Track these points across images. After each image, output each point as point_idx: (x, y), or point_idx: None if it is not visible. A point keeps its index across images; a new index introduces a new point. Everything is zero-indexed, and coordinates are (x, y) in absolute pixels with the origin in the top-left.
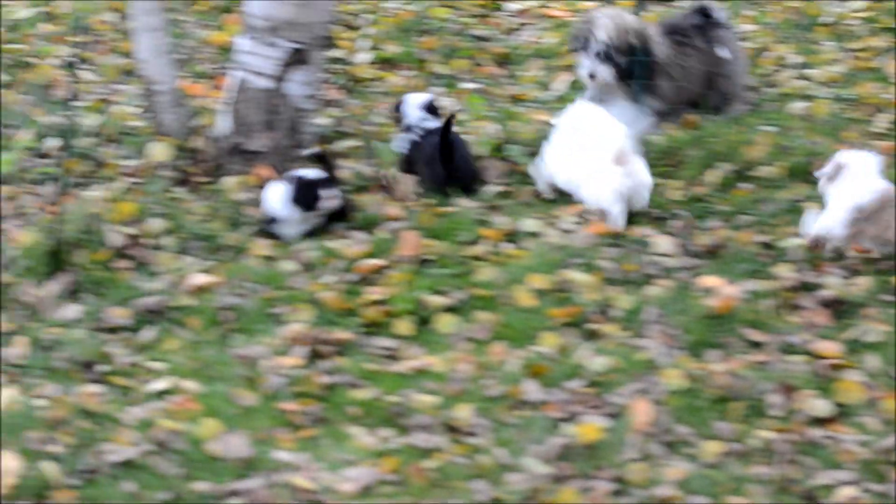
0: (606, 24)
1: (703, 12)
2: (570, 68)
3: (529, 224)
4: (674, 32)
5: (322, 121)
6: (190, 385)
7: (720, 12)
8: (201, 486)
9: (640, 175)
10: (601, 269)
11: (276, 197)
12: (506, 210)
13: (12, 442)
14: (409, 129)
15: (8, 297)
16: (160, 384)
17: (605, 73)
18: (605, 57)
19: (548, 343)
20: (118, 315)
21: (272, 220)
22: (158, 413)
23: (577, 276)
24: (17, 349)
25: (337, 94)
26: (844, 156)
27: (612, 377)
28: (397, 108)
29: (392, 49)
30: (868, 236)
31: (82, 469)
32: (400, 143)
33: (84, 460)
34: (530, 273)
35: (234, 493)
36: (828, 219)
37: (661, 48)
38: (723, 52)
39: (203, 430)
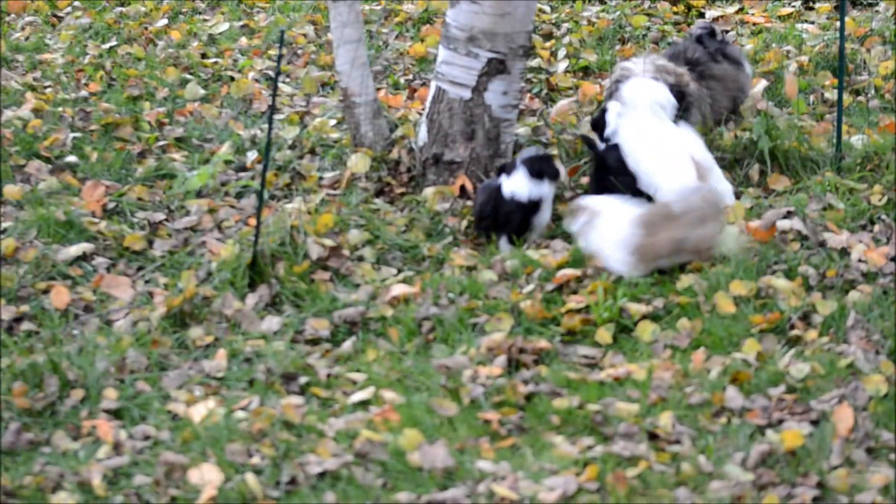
0: (648, 67)
1: (712, 34)
2: (768, 74)
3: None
4: (692, 64)
5: (520, 130)
6: (390, 396)
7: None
8: (402, 496)
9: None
10: (803, 275)
11: (520, 182)
12: None
13: (213, 454)
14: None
15: (209, 309)
16: (361, 395)
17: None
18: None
19: (749, 349)
20: (318, 326)
21: (522, 209)
22: (359, 424)
23: (779, 282)
24: (218, 361)
25: (536, 104)
26: None
27: (814, 383)
28: (601, 116)
29: (589, 57)
30: None
31: (283, 481)
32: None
33: (285, 472)
34: (731, 279)
35: (436, 503)
36: None
37: (692, 87)
38: (748, 70)
39: (404, 441)
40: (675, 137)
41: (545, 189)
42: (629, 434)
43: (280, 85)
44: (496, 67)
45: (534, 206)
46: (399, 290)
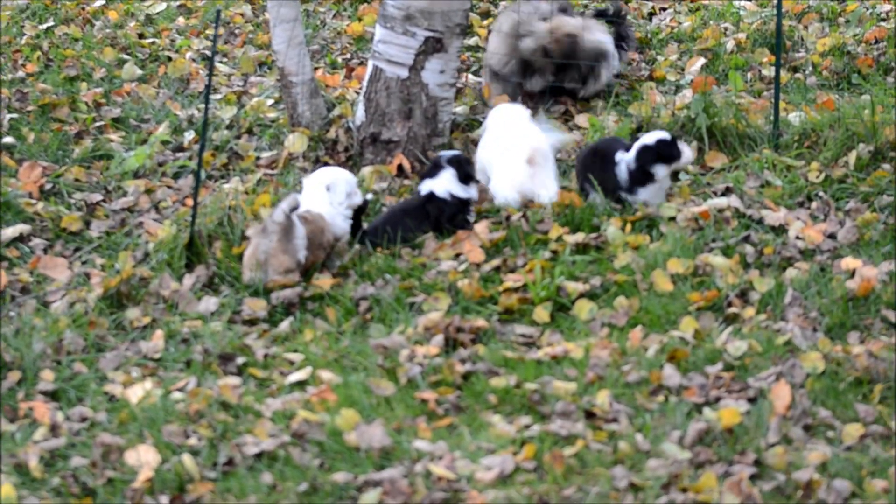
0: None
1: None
2: (706, 52)
3: (667, 209)
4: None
5: (458, 108)
6: (328, 376)
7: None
8: (339, 476)
9: (545, 182)
10: (740, 253)
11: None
12: None
13: (150, 435)
14: None
15: (146, 290)
16: (298, 375)
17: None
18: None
19: (687, 327)
20: (255, 307)
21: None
22: (296, 404)
23: (716, 259)
24: (155, 343)
25: (473, 82)
26: None
27: (752, 361)
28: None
29: None
30: None
31: (220, 461)
32: None
33: (222, 453)
34: (668, 257)
35: (373, 483)
36: None
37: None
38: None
39: (341, 421)
40: (520, 135)
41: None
42: (566, 413)
43: (217, 65)
44: (433, 46)
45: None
46: (336, 270)
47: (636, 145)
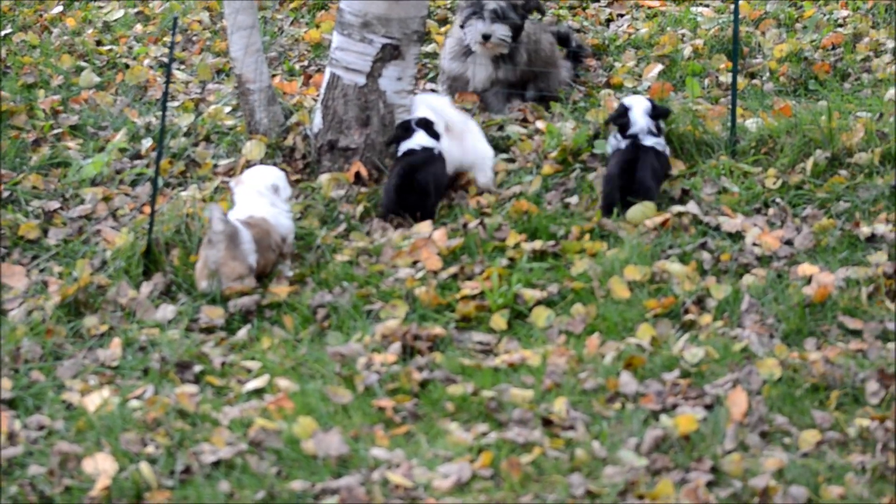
0: None
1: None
2: (663, 58)
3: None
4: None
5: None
6: (285, 384)
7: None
8: (297, 484)
9: (477, 147)
10: (697, 260)
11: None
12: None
13: (107, 443)
14: (634, 137)
15: (103, 298)
16: (255, 383)
17: (502, 31)
18: (502, 15)
19: (644, 334)
20: (213, 315)
21: None
22: (254, 412)
23: (673, 266)
24: (112, 350)
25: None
26: None
27: (708, 367)
28: (622, 113)
29: None
30: None
31: (178, 470)
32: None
33: (180, 461)
34: (625, 264)
35: (330, 491)
36: None
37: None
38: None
39: (298, 429)
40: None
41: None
42: (523, 420)
43: (175, 72)
44: (390, 53)
45: None
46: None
47: None
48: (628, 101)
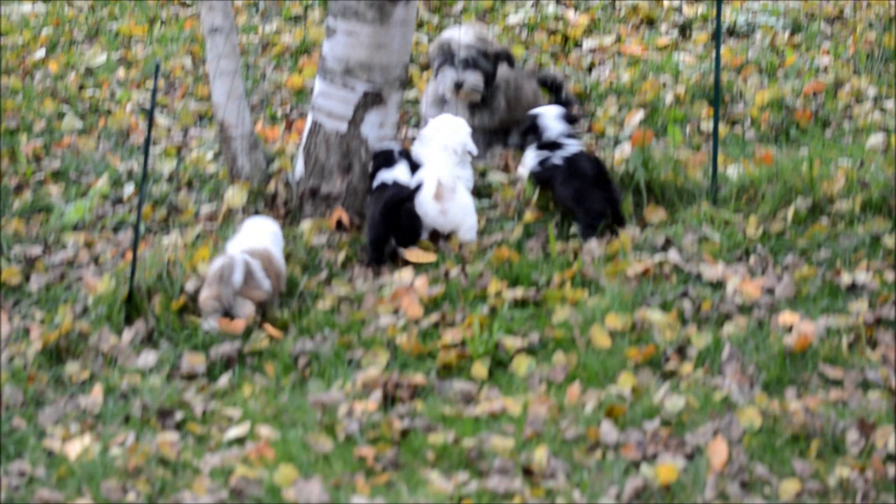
0: (470, 32)
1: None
2: (645, 105)
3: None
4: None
5: None
6: (266, 431)
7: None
8: None
9: (460, 213)
10: (678, 308)
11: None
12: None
13: (88, 491)
14: (552, 146)
15: (85, 344)
16: (237, 431)
17: (474, 78)
18: (473, 63)
19: (624, 383)
20: (194, 362)
21: None
22: (235, 460)
23: (654, 315)
24: (94, 397)
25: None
26: None
27: (689, 417)
28: (533, 124)
29: None
30: None
31: None
32: (534, 162)
33: None
34: (606, 312)
35: None
36: None
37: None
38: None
39: (279, 477)
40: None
41: None
42: (504, 469)
43: (157, 117)
44: (372, 99)
45: None
46: (275, 324)
47: None
48: (535, 110)
